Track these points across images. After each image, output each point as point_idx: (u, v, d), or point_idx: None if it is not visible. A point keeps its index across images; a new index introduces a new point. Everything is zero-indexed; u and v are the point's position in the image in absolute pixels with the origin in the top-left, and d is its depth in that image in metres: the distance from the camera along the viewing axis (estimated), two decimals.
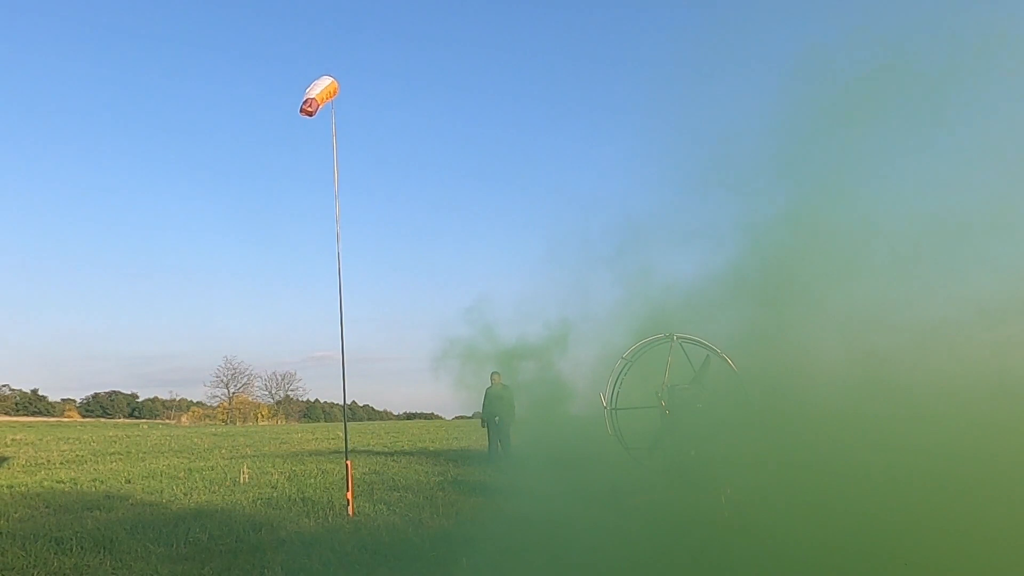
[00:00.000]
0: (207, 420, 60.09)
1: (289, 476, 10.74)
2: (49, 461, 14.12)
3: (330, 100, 7.89)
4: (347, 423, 10.00)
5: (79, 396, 72.82)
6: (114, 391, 73.65)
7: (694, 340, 8.25)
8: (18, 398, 67.56)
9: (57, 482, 10.34)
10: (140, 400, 74.30)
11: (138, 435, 26.01)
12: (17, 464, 13.55)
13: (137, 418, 66.53)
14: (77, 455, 15.61)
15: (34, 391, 68.67)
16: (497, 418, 12.14)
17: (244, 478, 10.41)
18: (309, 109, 7.56)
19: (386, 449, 16.89)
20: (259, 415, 61.44)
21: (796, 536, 5.94)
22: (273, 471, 11.48)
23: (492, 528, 6.36)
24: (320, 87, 7.73)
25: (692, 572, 4.96)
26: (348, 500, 7.38)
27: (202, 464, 13.16)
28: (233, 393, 64.69)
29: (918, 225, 8.75)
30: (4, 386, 67.40)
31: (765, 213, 10.56)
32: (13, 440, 22.32)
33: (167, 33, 79.26)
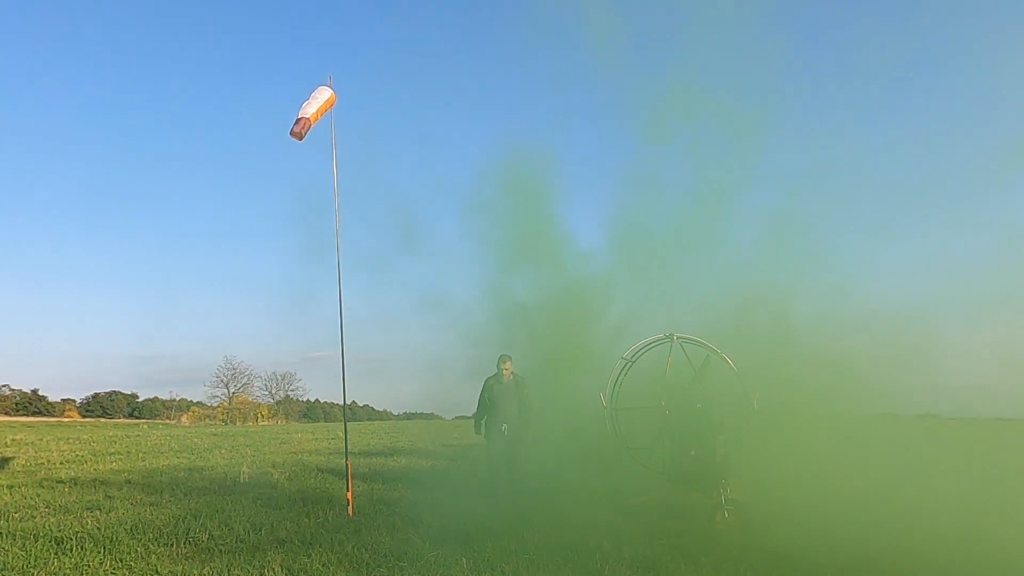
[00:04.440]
0: (207, 420, 60.08)
1: (289, 476, 10.74)
2: (49, 461, 14.11)
3: (330, 110, 7.69)
4: (347, 423, 10.00)
5: (79, 396, 72.84)
6: (114, 391, 73.67)
7: (694, 340, 8.24)
8: (18, 398, 67.57)
9: (57, 482, 10.33)
10: (140, 400, 74.32)
11: (138, 435, 25.99)
12: (17, 464, 13.55)
13: (137, 418, 66.52)
14: (77, 455, 15.60)
15: (34, 391, 68.72)
16: (505, 426, 8.23)
17: (244, 478, 10.41)
18: (298, 130, 7.19)
19: (386, 449, 16.89)
20: (259, 415, 61.45)
21: (795, 536, 5.94)
22: (273, 471, 11.48)
23: (492, 528, 6.35)
24: (316, 103, 7.45)
25: (692, 571, 4.96)
26: (348, 500, 7.38)
27: (202, 464, 13.16)
28: (233, 393, 64.70)
29: None
30: (4, 386, 67.44)
31: None
32: (13, 440, 22.29)
33: (167, 33, 79.28)
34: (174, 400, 71.23)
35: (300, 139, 7.27)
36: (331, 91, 7.76)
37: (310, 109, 7.38)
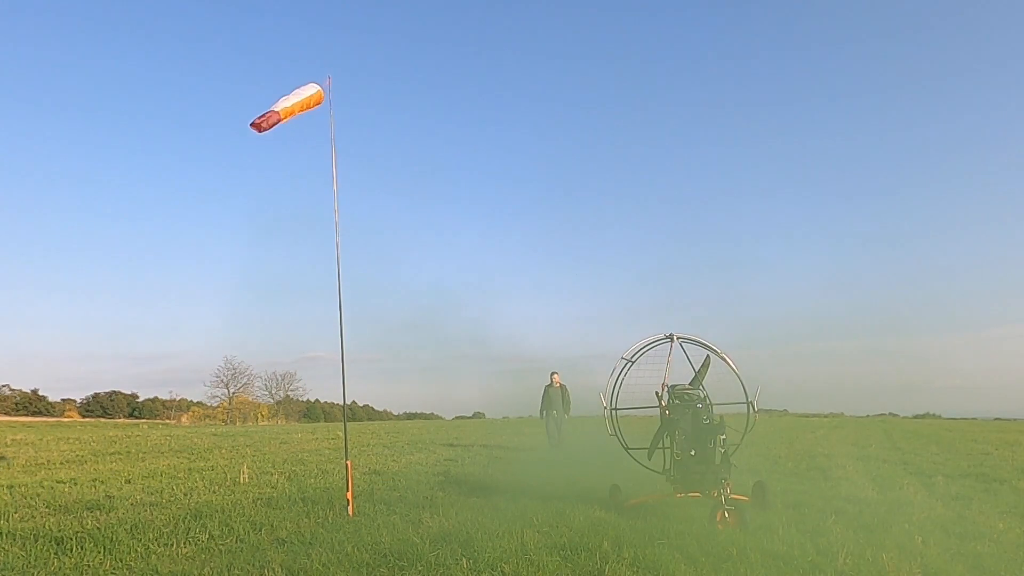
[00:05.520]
0: (207, 420, 60.12)
1: (289, 476, 10.74)
2: (49, 461, 14.10)
3: (310, 110, 7.53)
4: (347, 423, 9.99)
5: (79, 396, 72.96)
6: (114, 391, 73.76)
7: (694, 340, 8.24)
8: (18, 398, 67.65)
9: (57, 482, 10.33)
10: (140, 400, 74.41)
11: (138, 435, 25.98)
12: (17, 464, 13.54)
13: (137, 418, 66.56)
14: (77, 455, 15.60)
15: (34, 391, 68.82)
16: (555, 412, 17.03)
17: (244, 478, 10.40)
18: (259, 122, 6.90)
19: (386, 449, 16.89)
20: (259, 415, 61.51)
21: (795, 536, 5.94)
22: (273, 471, 11.48)
23: (492, 528, 6.35)
24: (294, 99, 7.27)
25: (692, 571, 4.96)
26: (348, 500, 7.38)
27: (202, 464, 13.16)
28: (233, 393, 64.76)
29: None
30: (4, 386, 67.54)
31: None
32: (13, 440, 22.29)
33: (167, 32, 79.29)
34: (174, 400, 71.33)
35: (260, 131, 6.96)
36: (320, 89, 7.66)
37: (285, 103, 7.20)
